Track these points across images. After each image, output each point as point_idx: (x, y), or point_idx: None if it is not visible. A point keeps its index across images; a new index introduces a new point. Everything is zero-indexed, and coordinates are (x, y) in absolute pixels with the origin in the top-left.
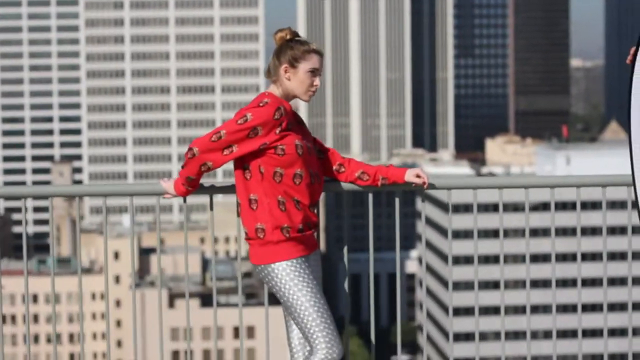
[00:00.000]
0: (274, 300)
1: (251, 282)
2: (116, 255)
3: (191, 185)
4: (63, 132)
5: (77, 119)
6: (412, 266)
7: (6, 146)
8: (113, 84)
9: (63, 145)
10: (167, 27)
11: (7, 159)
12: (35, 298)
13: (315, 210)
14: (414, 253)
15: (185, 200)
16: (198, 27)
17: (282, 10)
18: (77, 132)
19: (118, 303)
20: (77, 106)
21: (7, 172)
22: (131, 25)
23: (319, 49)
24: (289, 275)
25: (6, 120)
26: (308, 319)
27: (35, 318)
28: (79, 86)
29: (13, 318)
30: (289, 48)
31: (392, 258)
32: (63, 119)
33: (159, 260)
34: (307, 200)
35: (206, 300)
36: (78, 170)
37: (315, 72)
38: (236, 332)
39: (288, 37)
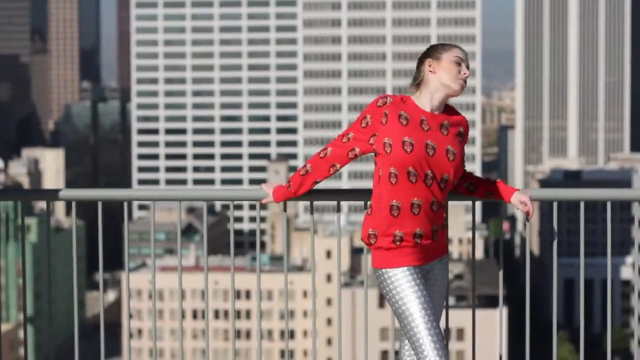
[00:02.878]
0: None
1: (461, 284)
2: (328, 254)
3: (295, 191)
4: (280, 131)
5: (293, 118)
6: (626, 272)
7: (224, 144)
8: (329, 84)
9: (280, 144)
10: (384, 28)
11: (225, 156)
12: (247, 294)
13: (443, 213)
14: (629, 259)
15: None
16: (415, 29)
17: (500, 12)
18: (294, 131)
19: (329, 301)
20: (294, 106)
21: (225, 169)
22: (348, 25)
23: (461, 48)
24: (398, 282)
25: (225, 118)
26: (416, 327)
27: (248, 314)
28: (296, 86)
29: (226, 313)
30: (430, 47)
31: (606, 263)
32: (280, 118)
33: (366, 260)
34: (425, 201)
35: None
36: (293, 168)
37: (460, 61)
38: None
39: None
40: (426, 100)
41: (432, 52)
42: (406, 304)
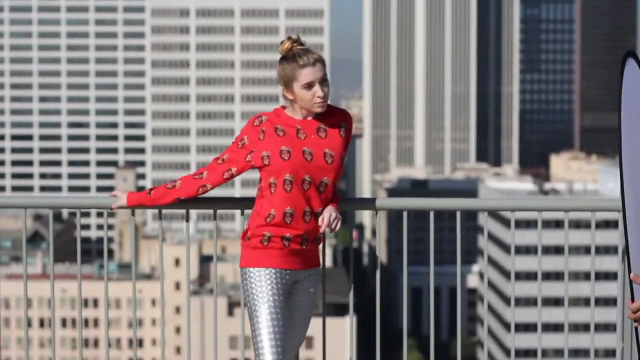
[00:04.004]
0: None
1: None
2: (177, 262)
3: (153, 199)
4: (128, 138)
5: (141, 125)
6: (473, 280)
7: (71, 151)
8: (177, 91)
9: (127, 151)
10: (233, 35)
11: (72, 163)
12: (95, 302)
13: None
14: (475, 267)
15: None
16: (263, 37)
17: (348, 22)
18: (142, 138)
19: (177, 310)
20: (141, 113)
21: (72, 176)
22: (197, 33)
23: (310, 61)
24: (255, 283)
25: (72, 125)
26: (258, 328)
27: (96, 322)
28: (144, 93)
29: (73, 322)
30: (281, 69)
31: (453, 272)
32: (128, 125)
33: (216, 268)
34: (298, 209)
35: None
36: (142, 176)
37: (310, 85)
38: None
39: (286, 47)
40: (298, 111)
41: (282, 77)
42: (257, 307)
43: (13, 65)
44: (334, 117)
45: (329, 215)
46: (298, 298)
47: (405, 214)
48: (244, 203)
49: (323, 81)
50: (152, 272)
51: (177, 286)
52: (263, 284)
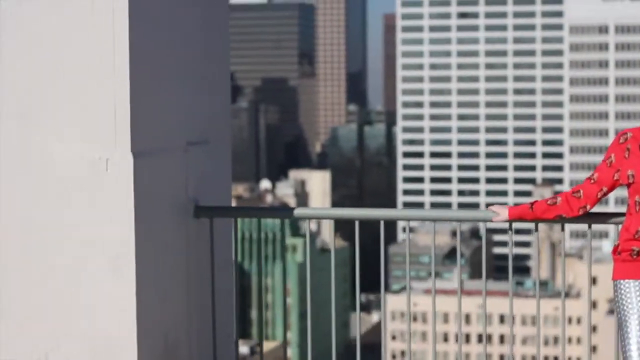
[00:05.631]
0: None
1: None
2: (594, 281)
3: (535, 215)
4: (545, 155)
5: (559, 142)
6: None
7: (489, 168)
8: (596, 109)
9: (545, 168)
10: None
11: (490, 180)
12: (513, 319)
13: None
14: None
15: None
16: None
17: None
18: (560, 155)
19: (594, 329)
20: (559, 130)
21: (490, 193)
22: (616, 50)
23: None
24: (624, 295)
25: (490, 142)
26: (628, 343)
27: (502, 338)
28: (562, 110)
29: (490, 337)
30: None
31: None
32: (546, 143)
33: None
34: None
35: None
36: (558, 193)
37: None
38: None
39: None
40: None
41: None
42: (626, 318)
43: (432, 84)
44: None
45: None
46: None
47: None
48: (616, 218)
49: None
50: (568, 290)
51: (594, 305)
52: (632, 295)
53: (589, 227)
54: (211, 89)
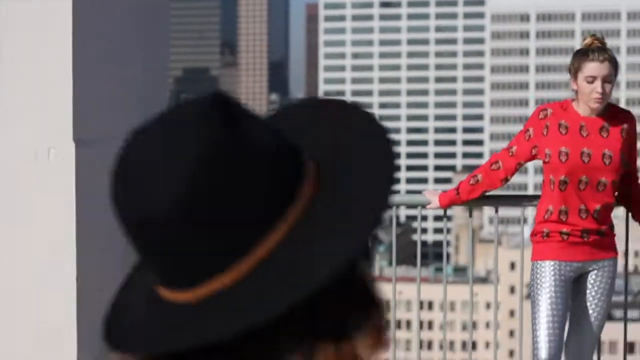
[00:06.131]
0: None
1: None
2: (512, 266)
3: (463, 198)
4: (466, 142)
5: (480, 130)
6: None
7: (410, 156)
8: (516, 96)
9: (465, 155)
10: (574, 40)
11: (410, 168)
12: (430, 305)
13: (598, 217)
14: None
15: None
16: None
17: None
18: (480, 143)
19: (512, 313)
20: (480, 117)
21: (410, 181)
22: (537, 37)
23: (599, 57)
24: (536, 276)
25: (410, 130)
26: (537, 322)
27: (430, 324)
28: (482, 98)
29: (408, 324)
30: (572, 59)
31: None
32: (466, 130)
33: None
34: (575, 207)
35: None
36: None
37: (592, 79)
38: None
39: (587, 42)
40: (582, 106)
41: (571, 66)
42: (537, 297)
43: (354, 73)
44: (618, 118)
45: None
46: (585, 291)
47: None
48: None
49: (606, 79)
50: (487, 276)
51: (512, 290)
52: (546, 275)
53: (496, 210)
54: (153, 76)
